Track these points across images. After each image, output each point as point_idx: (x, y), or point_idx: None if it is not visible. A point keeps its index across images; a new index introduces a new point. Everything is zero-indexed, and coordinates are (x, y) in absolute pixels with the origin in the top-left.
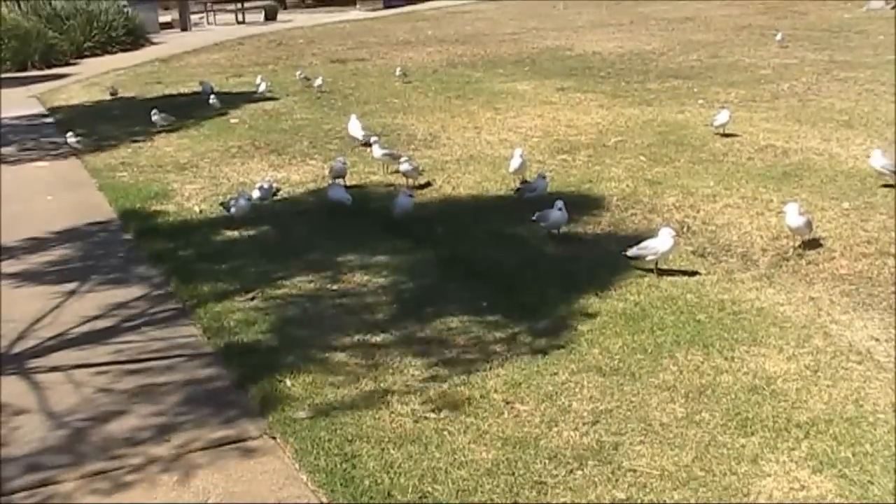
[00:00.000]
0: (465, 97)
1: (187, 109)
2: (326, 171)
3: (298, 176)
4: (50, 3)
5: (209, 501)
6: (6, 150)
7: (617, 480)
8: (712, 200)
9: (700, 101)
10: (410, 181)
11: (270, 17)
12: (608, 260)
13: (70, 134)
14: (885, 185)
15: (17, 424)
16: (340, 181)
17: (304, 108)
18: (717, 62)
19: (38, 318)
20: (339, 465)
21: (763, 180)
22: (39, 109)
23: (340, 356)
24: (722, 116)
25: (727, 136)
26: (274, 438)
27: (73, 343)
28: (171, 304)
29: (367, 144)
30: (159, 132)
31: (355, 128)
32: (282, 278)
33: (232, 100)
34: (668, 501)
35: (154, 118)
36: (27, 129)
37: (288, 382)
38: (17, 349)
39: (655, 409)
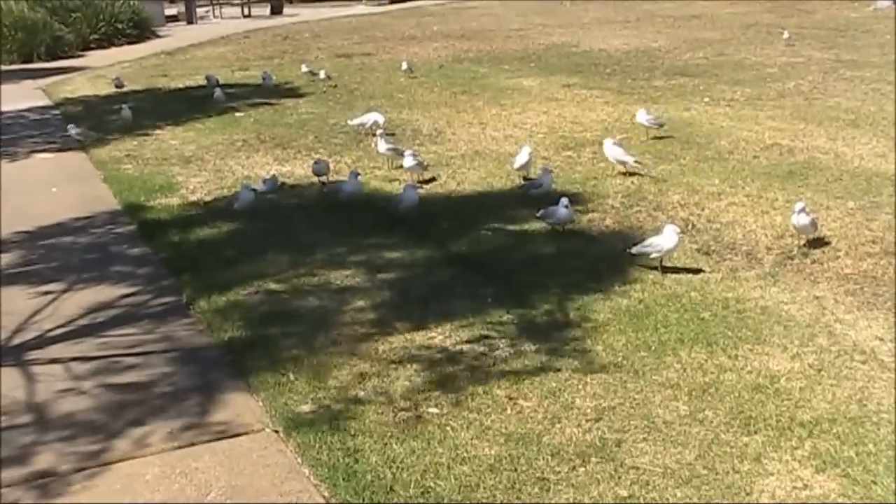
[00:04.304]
0: (471, 93)
1: (192, 103)
2: (333, 166)
3: (303, 170)
4: None
5: (211, 494)
6: (11, 141)
7: (619, 478)
8: (717, 198)
9: (706, 100)
10: (415, 176)
11: (276, 11)
12: (612, 257)
13: (72, 126)
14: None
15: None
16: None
17: (309, 103)
18: (723, 60)
19: (38, 310)
20: (341, 460)
21: (768, 179)
22: (45, 101)
23: (344, 350)
24: (640, 116)
25: (730, 133)
26: (276, 432)
27: (72, 335)
28: (173, 296)
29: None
30: (164, 125)
31: (382, 146)
32: (286, 272)
33: (237, 93)
34: (670, 499)
35: (71, 132)
36: (33, 121)
37: (291, 376)
38: (16, 341)
39: (659, 406)
